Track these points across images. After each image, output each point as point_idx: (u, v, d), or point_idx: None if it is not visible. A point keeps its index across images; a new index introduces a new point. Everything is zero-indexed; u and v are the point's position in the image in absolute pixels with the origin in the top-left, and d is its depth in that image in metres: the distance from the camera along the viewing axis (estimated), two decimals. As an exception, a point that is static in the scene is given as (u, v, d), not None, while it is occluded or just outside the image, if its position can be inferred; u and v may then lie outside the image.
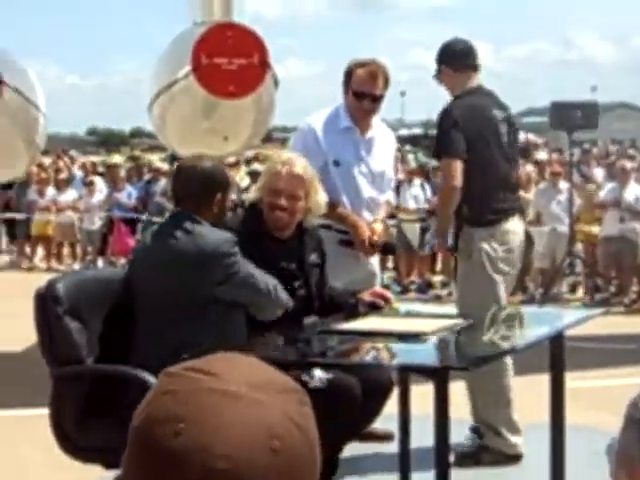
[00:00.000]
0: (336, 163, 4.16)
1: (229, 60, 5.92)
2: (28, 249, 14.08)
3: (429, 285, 10.80)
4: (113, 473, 2.42)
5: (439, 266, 10.48)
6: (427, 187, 11.10)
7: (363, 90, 4.17)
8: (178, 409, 0.86)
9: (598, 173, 13.57)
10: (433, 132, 8.08)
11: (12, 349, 6.34)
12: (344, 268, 4.03)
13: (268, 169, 3.71)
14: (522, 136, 14.53)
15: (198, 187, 3.31)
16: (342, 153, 4.20)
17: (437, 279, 10.84)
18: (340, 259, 4.01)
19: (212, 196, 3.31)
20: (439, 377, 2.89)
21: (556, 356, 3.71)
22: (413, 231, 10.76)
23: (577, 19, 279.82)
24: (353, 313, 3.61)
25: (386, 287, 6.69)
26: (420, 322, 3.46)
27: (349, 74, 4.22)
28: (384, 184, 4.46)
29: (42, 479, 4.43)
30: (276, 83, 6.50)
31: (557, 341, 3.67)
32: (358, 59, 4.31)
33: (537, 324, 3.91)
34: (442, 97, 4.36)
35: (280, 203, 3.47)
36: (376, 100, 4.23)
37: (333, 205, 3.98)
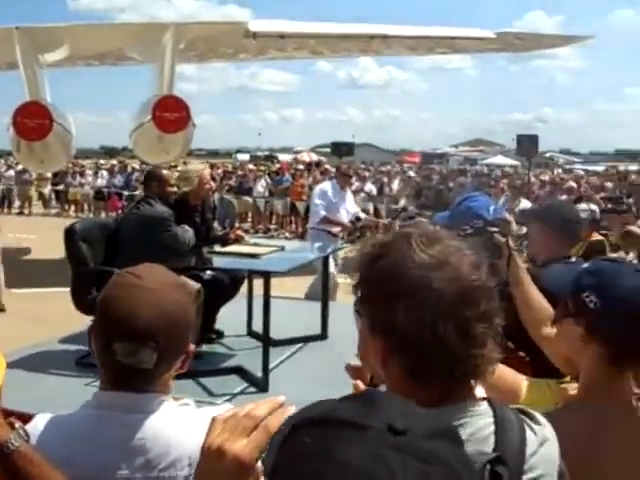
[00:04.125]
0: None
1: (170, 114, 10.92)
2: (66, 206, 28.20)
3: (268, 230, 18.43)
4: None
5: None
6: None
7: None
8: (116, 292, 1.80)
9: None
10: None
11: (56, 256, 10.32)
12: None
13: (198, 172, 6.95)
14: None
15: (151, 182, 6.55)
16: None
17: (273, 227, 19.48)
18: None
19: (153, 186, 6.57)
20: (265, 276, 6.09)
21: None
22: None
23: None
24: (226, 243, 7.02)
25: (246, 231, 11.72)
26: (260, 248, 6.94)
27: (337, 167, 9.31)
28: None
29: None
30: (194, 125, 11.68)
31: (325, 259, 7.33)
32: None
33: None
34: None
35: (209, 186, 6.89)
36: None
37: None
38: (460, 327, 1.33)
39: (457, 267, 1.37)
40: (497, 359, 2.35)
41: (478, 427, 1.38)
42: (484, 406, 1.43)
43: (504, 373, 2.36)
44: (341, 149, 20.06)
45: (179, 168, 10.26)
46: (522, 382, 2.33)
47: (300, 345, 7.05)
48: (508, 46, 18.18)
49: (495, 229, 2.95)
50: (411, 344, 1.36)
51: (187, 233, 6.48)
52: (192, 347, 1.87)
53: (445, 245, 1.40)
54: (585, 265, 2.16)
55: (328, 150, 24.75)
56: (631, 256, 4.03)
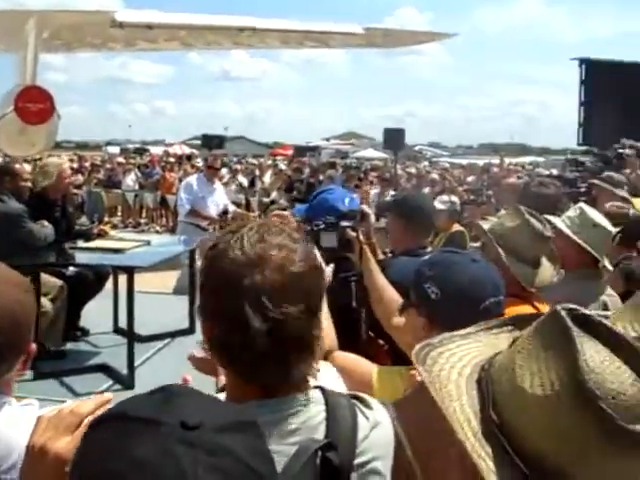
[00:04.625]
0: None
1: (33, 104, 10.42)
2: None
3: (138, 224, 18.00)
4: None
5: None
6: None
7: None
8: None
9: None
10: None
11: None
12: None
13: (57, 166, 6.73)
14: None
15: (4, 177, 6.33)
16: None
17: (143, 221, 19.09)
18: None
19: (5, 181, 6.35)
20: (129, 271, 6.15)
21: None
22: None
23: None
24: (90, 238, 6.85)
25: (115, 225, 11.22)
26: (124, 243, 6.81)
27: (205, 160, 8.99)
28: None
29: None
30: (59, 117, 11.01)
31: (192, 253, 7.30)
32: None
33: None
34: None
35: (69, 181, 6.67)
36: None
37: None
38: (273, 325, 1.34)
39: (274, 264, 1.38)
40: (330, 350, 2.41)
41: (310, 415, 1.41)
42: (316, 394, 1.46)
43: (355, 363, 2.41)
44: (211, 142, 19.87)
45: (39, 162, 9.90)
46: (373, 371, 2.38)
47: (168, 340, 7.00)
48: (376, 42, 18.51)
49: (347, 223, 3.02)
50: (228, 341, 1.37)
51: (45, 229, 6.31)
52: (33, 347, 1.82)
53: (269, 241, 1.41)
54: (426, 256, 2.24)
55: (200, 143, 24.51)
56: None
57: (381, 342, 3.20)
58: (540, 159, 30.20)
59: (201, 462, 0.85)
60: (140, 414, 0.90)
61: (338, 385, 1.95)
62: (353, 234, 2.98)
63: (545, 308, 2.95)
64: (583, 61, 22.55)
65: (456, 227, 7.12)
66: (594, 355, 1.15)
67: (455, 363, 1.30)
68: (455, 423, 1.18)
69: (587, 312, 1.22)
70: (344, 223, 3.01)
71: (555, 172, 9.96)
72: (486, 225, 3.25)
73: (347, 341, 2.68)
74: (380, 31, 17.92)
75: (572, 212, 3.80)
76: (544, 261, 3.19)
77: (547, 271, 3.17)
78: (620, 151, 6.79)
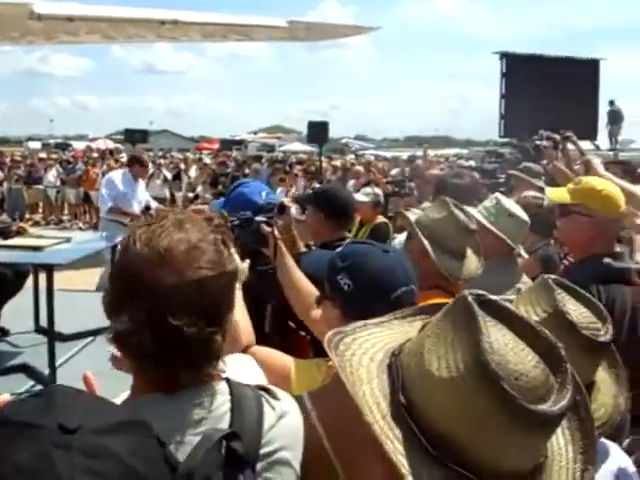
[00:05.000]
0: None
1: None
2: None
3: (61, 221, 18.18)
4: None
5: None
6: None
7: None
8: None
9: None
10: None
11: None
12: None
13: None
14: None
15: None
16: None
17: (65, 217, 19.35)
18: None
19: None
20: (48, 269, 6.01)
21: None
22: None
23: None
24: (8, 236, 6.68)
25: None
26: (43, 240, 6.66)
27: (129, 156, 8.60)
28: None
29: None
30: None
31: (113, 249, 7.20)
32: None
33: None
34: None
35: None
36: None
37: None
38: (171, 327, 1.33)
39: (179, 263, 1.37)
40: (248, 345, 2.40)
41: (215, 406, 1.41)
42: (221, 386, 1.46)
43: (273, 357, 2.41)
44: (134, 136, 19.55)
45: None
46: (292, 364, 2.38)
47: (90, 339, 6.88)
48: (300, 35, 18.54)
49: (263, 218, 3.01)
50: (128, 338, 1.36)
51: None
52: None
53: (178, 238, 1.40)
54: (339, 248, 2.26)
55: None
56: (402, 237, 4.26)
57: (303, 334, 3.21)
58: (464, 151, 30.67)
59: (78, 465, 0.85)
60: (21, 418, 0.90)
61: (259, 379, 1.95)
62: (268, 229, 2.98)
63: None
64: (504, 55, 22.94)
65: (380, 219, 7.17)
66: (499, 338, 1.18)
67: (367, 349, 1.33)
68: (364, 406, 1.20)
69: (493, 297, 1.25)
70: (259, 218, 3.01)
71: (473, 164, 10.10)
72: (413, 216, 3.26)
73: (265, 335, 2.68)
74: (303, 24, 17.98)
75: (488, 202, 3.87)
76: (469, 253, 3.23)
77: (472, 263, 3.21)
78: (537, 143, 6.92)
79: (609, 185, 3.51)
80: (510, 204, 3.91)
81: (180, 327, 1.33)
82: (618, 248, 3.59)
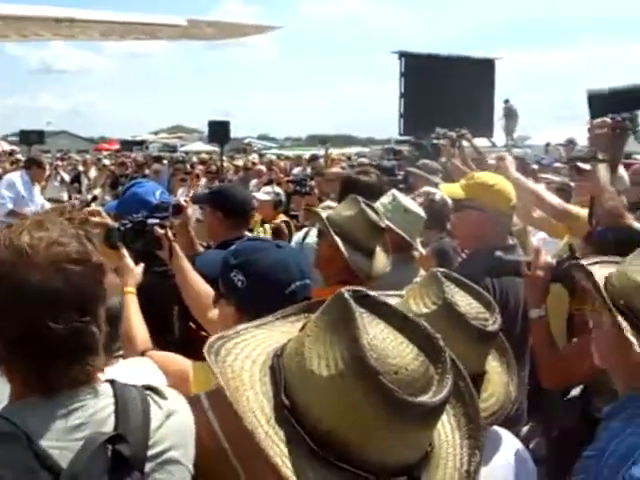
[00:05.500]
0: None
1: None
2: None
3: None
4: None
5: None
6: None
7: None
8: None
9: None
10: None
11: None
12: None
13: None
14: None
15: None
16: None
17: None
18: None
19: None
20: None
21: None
22: None
23: None
24: None
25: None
26: None
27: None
28: None
29: None
30: None
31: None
32: None
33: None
34: None
35: None
36: None
37: None
38: (38, 328, 1.31)
39: (37, 258, 1.34)
40: (145, 349, 2.37)
41: (97, 409, 1.38)
42: (104, 388, 1.43)
43: (171, 360, 2.38)
44: (30, 137, 18.97)
45: None
46: (190, 366, 2.36)
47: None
48: (201, 33, 18.36)
49: (156, 220, 2.97)
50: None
51: None
52: None
53: (33, 236, 1.37)
54: (233, 246, 2.24)
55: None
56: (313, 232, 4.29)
57: (204, 334, 3.18)
58: (366, 149, 30.97)
59: None
60: None
61: (159, 381, 1.92)
62: (161, 231, 2.93)
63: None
64: (402, 54, 23.27)
65: (281, 217, 7.19)
66: (377, 333, 1.20)
67: (250, 352, 1.32)
68: (247, 412, 1.20)
69: (370, 293, 1.27)
70: (152, 220, 2.96)
71: (367, 161, 10.21)
72: (324, 213, 3.28)
73: (165, 338, 2.65)
74: (204, 23, 17.80)
75: (385, 199, 3.91)
76: (378, 251, 3.27)
77: (381, 261, 3.26)
78: (434, 141, 7.06)
79: (500, 180, 3.60)
80: (406, 200, 3.97)
81: (49, 323, 1.31)
82: (510, 241, 3.69)
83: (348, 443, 1.18)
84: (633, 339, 1.80)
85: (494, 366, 2.01)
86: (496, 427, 2.04)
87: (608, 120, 3.50)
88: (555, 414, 3.77)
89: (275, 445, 1.17)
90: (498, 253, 3.09)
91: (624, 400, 1.93)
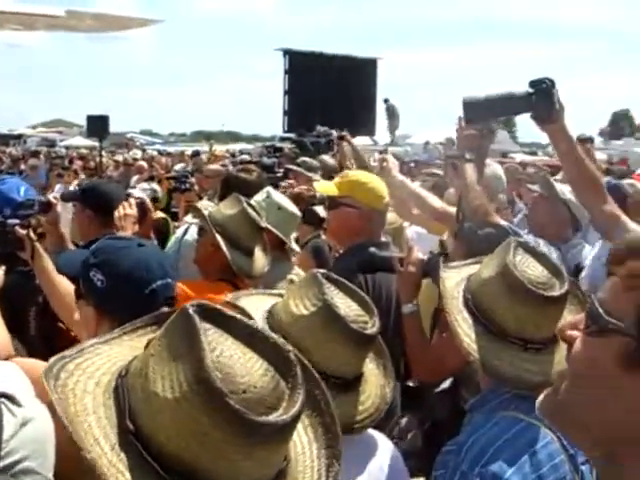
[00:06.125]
0: None
1: None
2: None
3: None
4: None
5: None
6: None
7: None
8: None
9: None
10: None
11: None
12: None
13: None
14: None
15: None
16: None
17: None
18: None
19: None
20: None
21: None
22: None
23: None
24: None
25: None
26: None
27: None
28: None
29: None
30: None
31: None
32: None
33: None
34: None
35: None
36: None
37: None
38: None
39: None
40: (8, 356, 2.29)
41: None
42: None
43: (35, 367, 2.31)
44: None
45: None
46: None
47: None
48: (81, 25, 17.89)
49: (16, 221, 2.87)
50: None
51: None
52: None
53: None
54: (94, 245, 2.19)
55: None
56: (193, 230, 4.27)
57: (74, 334, 3.10)
58: (250, 146, 30.93)
59: None
60: None
61: (27, 388, 1.85)
62: (23, 232, 2.84)
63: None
64: (287, 52, 23.36)
65: (159, 214, 7.08)
66: (224, 350, 1.15)
67: (93, 373, 1.25)
68: (88, 441, 1.14)
69: (218, 307, 1.22)
70: (12, 221, 2.86)
71: (248, 158, 10.22)
72: (206, 211, 3.27)
73: (21, 338, 2.56)
74: (84, 15, 17.36)
75: (259, 196, 3.91)
76: (257, 250, 3.29)
77: (260, 260, 3.28)
78: (312, 140, 7.13)
79: (374, 178, 3.66)
80: (280, 198, 3.98)
81: None
82: (384, 238, 3.76)
83: (197, 467, 1.13)
84: (464, 337, 1.89)
85: (371, 368, 2.02)
86: (370, 430, 2.04)
87: (474, 120, 3.60)
88: (428, 406, 3.88)
89: (120, 474, 1.11)
90: (372, 249, 3.14)
91: (486, 393, 1.99)
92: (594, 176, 3.05)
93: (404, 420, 5.71)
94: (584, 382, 0.98)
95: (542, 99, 2.93)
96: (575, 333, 1.01)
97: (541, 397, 1.04)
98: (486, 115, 3.75)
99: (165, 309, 1.69)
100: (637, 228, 2.99)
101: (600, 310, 0.96)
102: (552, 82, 2.94)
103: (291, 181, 6.34)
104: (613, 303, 0.96)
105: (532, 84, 2.95)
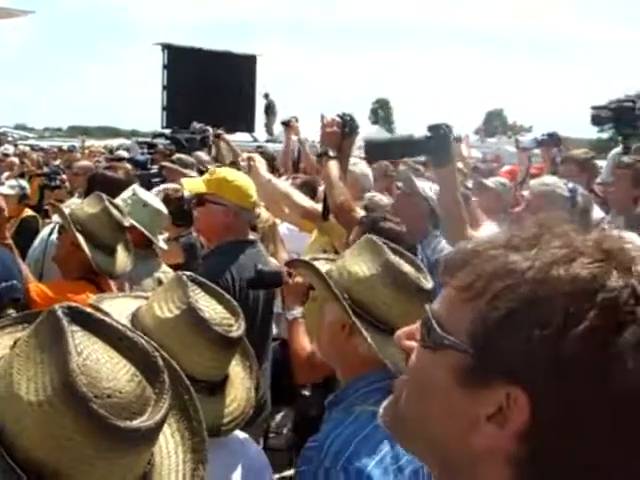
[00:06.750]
0: None
1: None
2: None
3: None
4: None
5: None
6: None
7: None
8: None
9: None
10: None
11: None
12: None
13: None
14: None
15: None
16: None
17: None
18: None
19: None
20: None
21: None
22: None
23: None
24: None
25: None
26: None
27: None
28: None
29: None
30: None
31: None
32: None
33: None
34: None
35: None
36: None
37: None
38: None
39: None
40: None
41: None
42: None
43: None
44: None
45: None
46: None
47: None
48: None
49: None
50: None
51: None
52: None
53: None
54: None
55: None
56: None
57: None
58: (128, 142, 30.33)
59: None
60: None
61: None
62: None
63: (114, 291, 3.06)
64: (165, 47, 23.01)
65: (27, 212, 6.93)
66: (91, 353, 1.13)
67: None
68: None
69: (87, 310, 1.21)
70: None
71: (126, 154, 10.07)
72: (67, 209, 3.25)
73: None
74: None
75: (126, 193, 3.89)
76: (120, 249, 3.29)
77: (122, 259, 3.27)
78: (187, 136, 7.11)
79: (241, 176, 3.70)
80: (146, 195, 3.96)
81: None
82: (251, 236, 3.80)
83: (59, 473, 1.11)
84: (361, 327, 1.90)
85: (237, 371, 2.02)
86: (237, 431, 2.05)
87: (337, 119, 3.70)
88: (302, 402, 3.94)
89: None
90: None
91: (344, 388, 2.00)
92: (464, 218, 3.33)
93: (279, 415, 5.83)
94: (420, 394, 0.92)
95: (439, 144, 3.16)
96: (412, 344, 0.96)
97: (385, 404, 0.99)
98: (386, 156, 4.03)
99: (11, 310, 1.67)
100: (476, 235, 3.23)
101: (434, 324, 0.90)
102: (449, 128, 3.16)
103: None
104: (448, 317, 0.90)
105: (430, 129, 3.15)
